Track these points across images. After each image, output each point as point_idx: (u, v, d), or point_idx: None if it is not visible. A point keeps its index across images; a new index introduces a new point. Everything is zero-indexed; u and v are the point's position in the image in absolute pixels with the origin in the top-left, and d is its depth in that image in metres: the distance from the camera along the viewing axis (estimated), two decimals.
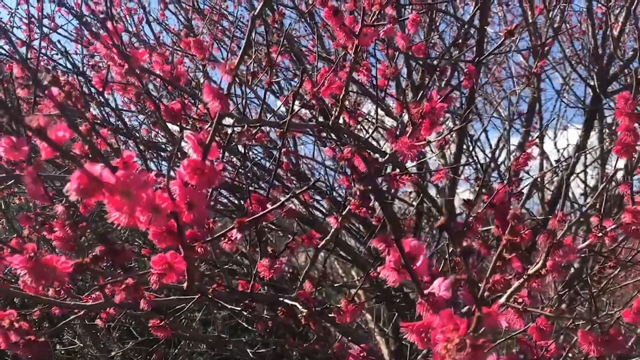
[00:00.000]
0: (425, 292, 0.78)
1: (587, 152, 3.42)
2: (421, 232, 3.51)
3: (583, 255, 2.47)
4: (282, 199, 1.26)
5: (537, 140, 3.66)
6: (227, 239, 1.04)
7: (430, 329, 0.73)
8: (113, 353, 3.19)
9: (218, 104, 0.85)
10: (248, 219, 1.01)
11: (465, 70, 1.43)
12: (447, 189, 2.92)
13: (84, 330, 3.16)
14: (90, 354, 3.21)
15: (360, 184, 1.13)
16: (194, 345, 3.53)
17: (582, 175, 4.02)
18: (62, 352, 3.20)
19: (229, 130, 1.47)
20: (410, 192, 4.58)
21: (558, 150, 4.39)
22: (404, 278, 0.78)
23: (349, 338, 1.38)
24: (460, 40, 2.25)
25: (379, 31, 1.27)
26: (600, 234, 1.48)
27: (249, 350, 3.08)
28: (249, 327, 3.02)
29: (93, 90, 1.59)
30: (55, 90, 0.86)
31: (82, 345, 3.15)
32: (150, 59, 1.30)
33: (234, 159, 2.33)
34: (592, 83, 3.34)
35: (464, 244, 0.54)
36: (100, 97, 1.46)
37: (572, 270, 2.70)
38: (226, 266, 2.02)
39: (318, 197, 2.91)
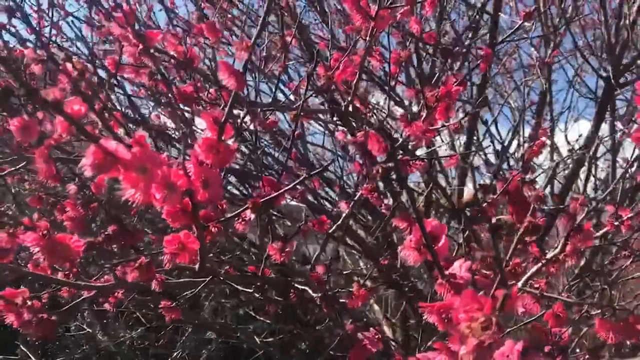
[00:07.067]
0: (446, 272, 0.76)
1: (601, 142, 3.36)
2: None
3: (595, 245, 2.45)
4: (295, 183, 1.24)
5: (549, 131, 3.62)
6: (241, 220, 1.03)
7: (451, 310, 0.72)
8: (121, 339, 3.20)
9: (234, 82, 0.83)
10: (262, 199, 1.00)
11: (482, 53, 1.41)
12: (457, 177, 2.90)
13: (90, 319, 3.17)
14: (99, 340, 3.23)
15: (380, 164, 1.12)
16: (202, 332, 3.53)
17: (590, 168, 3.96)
18: (72, 337, 3.21)
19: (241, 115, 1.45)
20: (419, 183, 4.56)
21: (569, 142, 4.34)
22: (424, 258, 0.76)
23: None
24: (474, 25, 2.22)
25: (396, 14, 1.24)
26: (617, 223, 1.45)
27: (257, 339, 3.08)
28: (257, 316, 3.03)
29: (105, 75, 1.59)
30: (69, 66, 0.85)
31: (91, 332, 3.17)
32: (164, 40, 1.29)
33: (243, 147, 2.31)
34: (603, 74, 3.29)
35: (493, 221, 0.53)
36: (113, 80, 1.45)
37: (583, 262, 2.67)
38: (237, 253, 2.01)
39: (327, 188, 2.88)
